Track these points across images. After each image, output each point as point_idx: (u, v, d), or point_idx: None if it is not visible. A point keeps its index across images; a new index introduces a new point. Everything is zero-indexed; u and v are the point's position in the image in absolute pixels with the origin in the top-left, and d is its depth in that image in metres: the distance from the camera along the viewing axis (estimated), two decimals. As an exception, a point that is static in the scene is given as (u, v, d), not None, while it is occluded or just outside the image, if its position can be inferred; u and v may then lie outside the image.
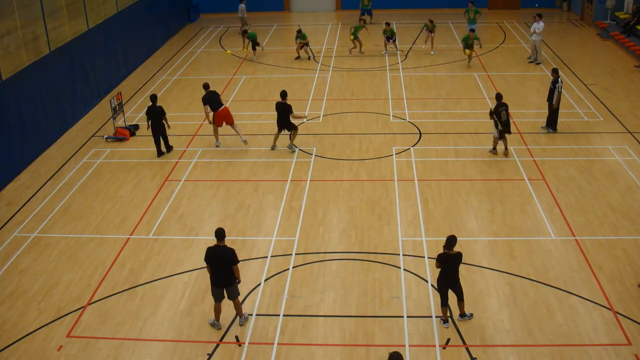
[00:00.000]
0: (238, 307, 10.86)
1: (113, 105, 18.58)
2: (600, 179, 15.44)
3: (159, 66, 25.69)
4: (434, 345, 10.29)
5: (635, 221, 13.61)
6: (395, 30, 26.19)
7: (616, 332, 10.48)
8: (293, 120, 17.09)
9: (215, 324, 10.88)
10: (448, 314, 10.72)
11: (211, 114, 17.37)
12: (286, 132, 17.23)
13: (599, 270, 12.02)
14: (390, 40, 25.97)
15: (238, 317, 10.98)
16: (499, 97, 16.23)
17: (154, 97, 17.08)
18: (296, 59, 25.92)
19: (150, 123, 17.00)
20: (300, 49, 25.66)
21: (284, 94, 16.86)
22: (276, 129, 17.29)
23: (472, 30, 26.79)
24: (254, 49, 26.15)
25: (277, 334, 10.67)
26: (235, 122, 17.56)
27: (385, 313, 11.06)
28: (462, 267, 12.11)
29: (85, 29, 21.40)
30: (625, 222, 13.58)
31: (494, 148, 16.62)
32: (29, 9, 18.13)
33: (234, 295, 10.73)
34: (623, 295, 11.34)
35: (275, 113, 17.17)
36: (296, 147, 17.21)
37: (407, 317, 10.94)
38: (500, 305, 11.17)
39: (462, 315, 10.70)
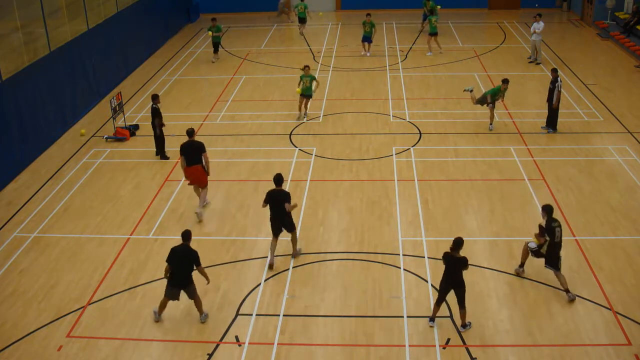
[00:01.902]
0: (198, 304, 10.94)
1: (113, 105, 18.58)
2: (600, 179, 15.44)
3: (159, 66, 25.69)
4: (434, 345, 10.29)
5: (635, 221, 13.61)
6: (374, 23, 25.34)
7: (616, 332, 10.48)
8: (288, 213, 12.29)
9: (155, 315, 11.03)
10: (437, 314, 10.70)
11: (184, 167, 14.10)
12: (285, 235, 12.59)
13: (599, 270, 12.02)
14: (366, 43, 25.68)
15: (199, 315, 11.02)
16: (549, 210, 11.32)
17: (152, 97, 16.90)
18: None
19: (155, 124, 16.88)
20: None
21: (279, 180, 12.32)
22: (271, 231, 12.48)
23: (433, 34, 25.47)
24: (215, 50, 25.62)
25: (277, 334, 10.67)
26: (207, 185, 14.33)
27: (385, 313, 11.06)
28: (462, 267, 12.13)
29: (85, 29, 21.40)
30: (625, 222, 13.58)
31: (522, 265, 11.98)
32: (29, 9, 18.12)
33: (192, 295, 10.86)
34: (623, 295, 11.33)
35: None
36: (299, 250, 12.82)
37: (407, 317, 10.94)
38: (500, 305, 11.17)
39: (464, 325, 10.60)
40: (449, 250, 10.40)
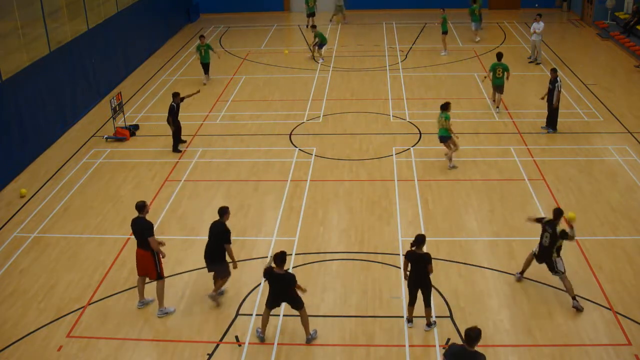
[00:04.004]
0: (218, 285, 11.28)
1: (113, 105, 18.58)
2: (600, 179, 15.44)
3: (159, 66, 25.69)
4: (434, 346, 10.30)
5: (635, 221, 13.61)
6: (321, 33, 25.44)
7: (616, 332, 10.48)
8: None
9: (219, 295, 11.43)
10: (413, 314, 10.68)
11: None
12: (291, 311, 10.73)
13: (599, 270, 12.02)
14: (316, 47, 25.52)
15: (212, 290, 11.37)
16: (554, 213, 11.09)
17: (173, 95, 17.23)
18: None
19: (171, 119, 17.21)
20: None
21: (282, 259, 10.01)
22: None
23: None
24: (206, 72, 23.08)
25: (277, 334, 10.67)
26: (164, 281, 11.20)
27: (385, 313, 11.06)
28: (462, 267, 12.16)
29: (85, 29, 21.40)
30: (625, 222, 13.58)
31: (522, 272, 11.74)
32: (29, 9, 18.13)
33: (222, 275, 11.21)
34: (623, 295, 11.33)
35: None
36: (314, 333, 10.61)
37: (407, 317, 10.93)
38: (500, 305, 11.17)
39: (429, 324, 10.58)
40: (411, 249, 10.33)
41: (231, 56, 26.76)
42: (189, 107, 20.95)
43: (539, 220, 11.37)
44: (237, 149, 17.69)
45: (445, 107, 15.69)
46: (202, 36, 23.42)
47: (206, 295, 11.45)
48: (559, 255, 11.05)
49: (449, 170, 15.91)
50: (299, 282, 10.22)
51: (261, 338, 10.55)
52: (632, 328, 10.54)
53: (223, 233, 10.95)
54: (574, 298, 10.99)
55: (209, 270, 11.33)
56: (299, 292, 10.27)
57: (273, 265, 10.10)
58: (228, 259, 11.12)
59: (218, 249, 11.01)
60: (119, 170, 16.70)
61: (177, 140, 17.51)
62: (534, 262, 11.47)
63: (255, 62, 25.87)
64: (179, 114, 17.37)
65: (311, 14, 30.56)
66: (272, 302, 10.35)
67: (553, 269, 11.09)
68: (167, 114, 17.24)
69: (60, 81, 19.34)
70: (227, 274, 11.20)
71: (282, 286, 10.14)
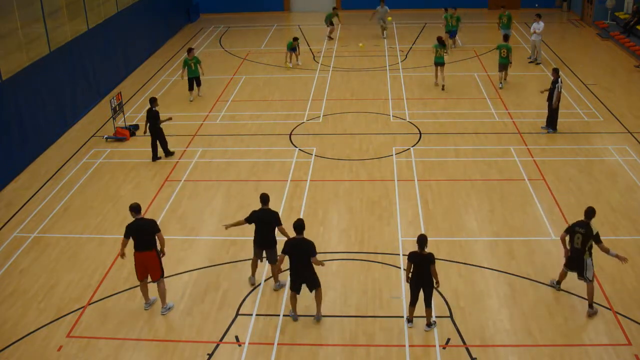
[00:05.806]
0: (275, 272, 11.59)
1: (113, 105, 18.58)
2: (600, 179, 15.44)
3: (159, 66, 25.69)
4: (434, 346, 10.29)
5: (635, 221, 13.61)
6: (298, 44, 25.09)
7: (616, 332, 10.47)
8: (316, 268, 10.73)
9: (250, 279, 11.90)
10: (414, 314, 10.67)
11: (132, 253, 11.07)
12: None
13: (599, 270, 12.00)
14: (293, 53, 24.95)
15: (274, 283, 11.77)
16: (585, 212, 10.69)
17: (152, 100, 16.79)
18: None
19: (147, 126, 16.85)
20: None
21: (301, 226, 10.51)
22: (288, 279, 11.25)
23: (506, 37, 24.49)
24: (191, 87, 21.39)
25: (277, 334, 10.67)
26: (164, 279, 11.26)
27: (385, 313, 11.06)
28: (462, 267, 12.17)
29: (85, 29, 21.41)
30: (625, 222, 13.58)
31: (558, 282, 11.43)
32: (29, 9, 18.13)
33: (272, 259, 11.50)
34: (623, 295, 11.33)
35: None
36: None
37: (407, 317, 10.92)
38: (500, 305, 11.17)
39: (429, 325, 10.58)
40: (415, 250, 10.32)
41: (231, 56, 26.77)
42: (189, 107, 20.98)
43: (567, 231, 10.85)
44: (237, 149, 17.69)
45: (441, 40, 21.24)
46: (191, 49, 21.23)
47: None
48: (590, 256, 10.63)
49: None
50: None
51: (295, 317, 10.95)
52: (632, 328, 10.54)
53: (275, 217, 11.29)
54: (590, 305, 10.80)
55: (258, 256, 11.71)
56: (318, 265, 10.57)
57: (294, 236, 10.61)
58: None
59: (269, 235, 11.39)
60: (119, 170, 16.69)
61: (165, 143, 17.15)
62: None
63: (255, 62, 25.87)
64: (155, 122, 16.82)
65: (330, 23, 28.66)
66: (295, 283, 10.73)
67: (582, 272, 10.68)
68: (153, 120, 16.66)
69: (60, 81, 19.34)
70: (275, 259, 11.41)
71: (301, 255, 10.45)
